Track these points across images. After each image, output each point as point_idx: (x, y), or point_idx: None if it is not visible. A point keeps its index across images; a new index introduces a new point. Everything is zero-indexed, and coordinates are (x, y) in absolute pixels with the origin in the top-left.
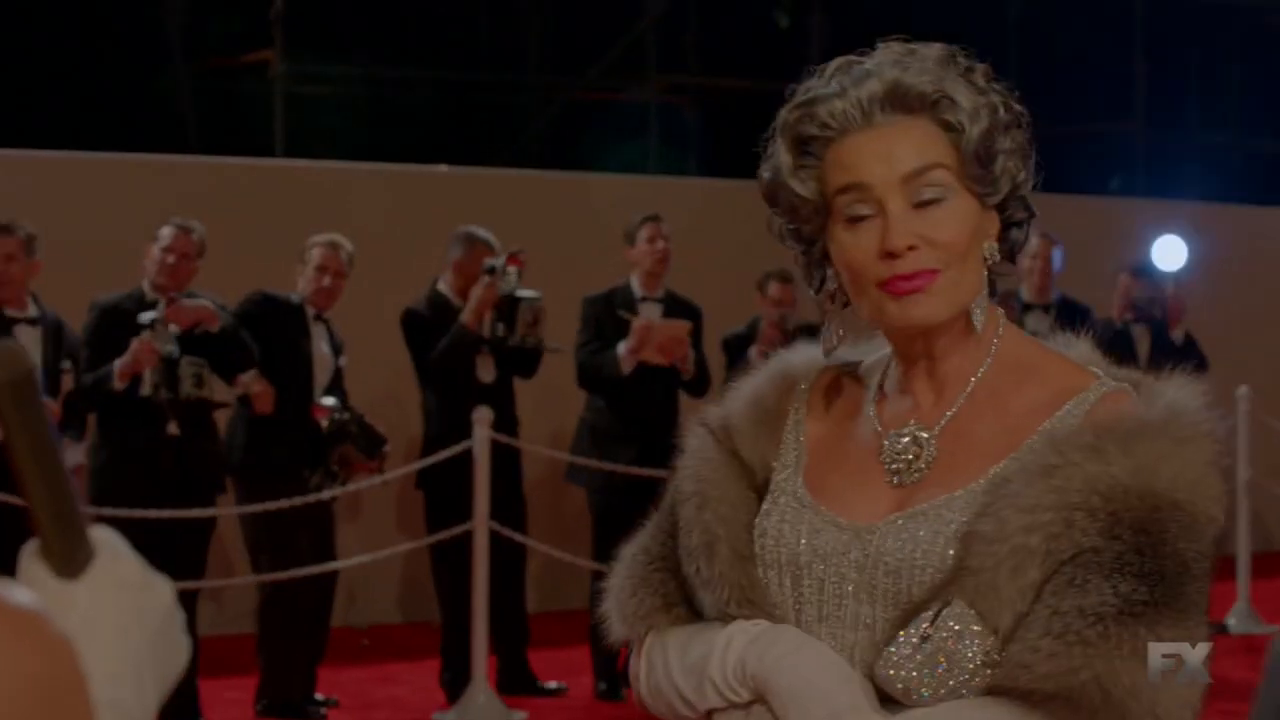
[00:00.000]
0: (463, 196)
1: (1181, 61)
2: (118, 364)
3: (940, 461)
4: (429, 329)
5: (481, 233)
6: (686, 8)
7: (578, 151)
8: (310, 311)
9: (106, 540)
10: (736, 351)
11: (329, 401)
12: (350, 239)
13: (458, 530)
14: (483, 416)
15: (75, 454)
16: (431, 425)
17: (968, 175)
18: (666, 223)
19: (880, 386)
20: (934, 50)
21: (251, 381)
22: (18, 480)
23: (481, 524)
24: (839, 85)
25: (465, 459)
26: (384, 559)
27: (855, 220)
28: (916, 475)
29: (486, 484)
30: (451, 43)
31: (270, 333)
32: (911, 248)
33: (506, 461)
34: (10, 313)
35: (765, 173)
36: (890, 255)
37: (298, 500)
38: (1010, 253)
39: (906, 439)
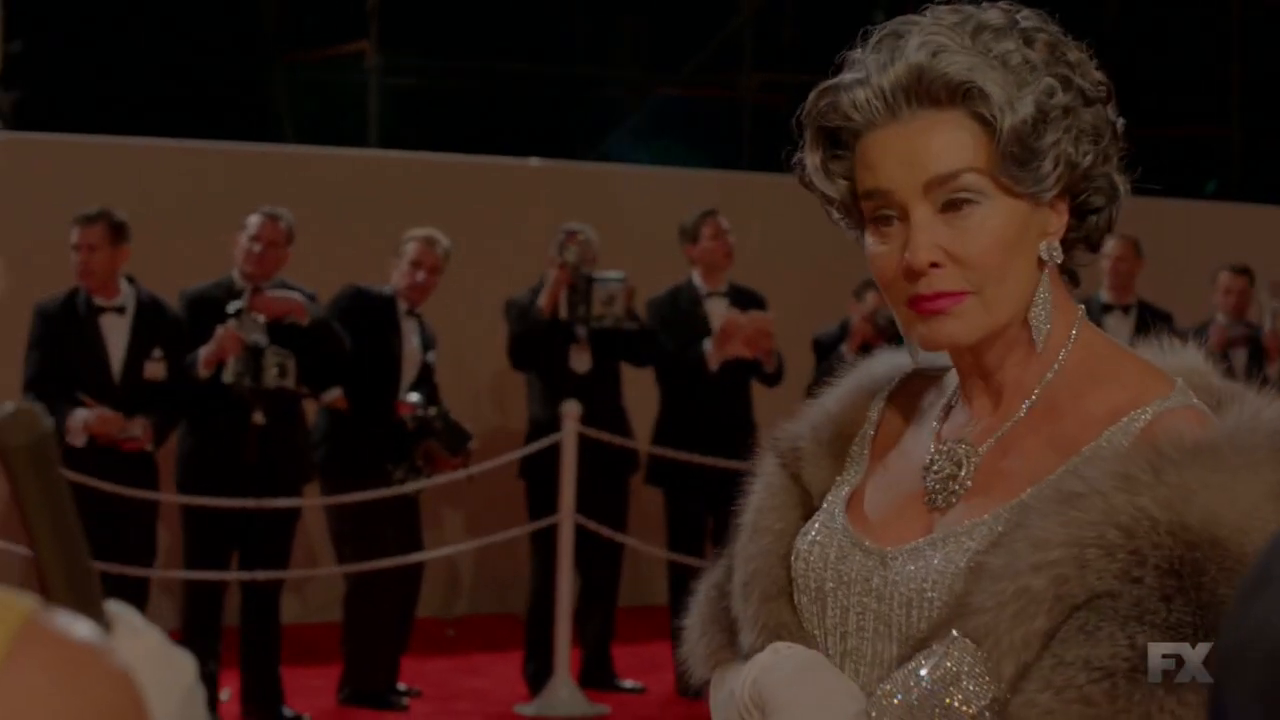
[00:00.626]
0: (555, 189)
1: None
2: (202, 351)
3: (980, 482)
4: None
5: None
6: (783, 4)
7: (664, 146)
8: (402, 306)
9: (123, 614)
10: (827, 351)
11: (414, 398)
12: (443, 231)
13: (544, 523)
14: (571, 410)
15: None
16: (531, 415)
17: (1005, 174)
18: (725, 217)
19: (952, 396)
20: (989, 17)
21: (335, 400)
22: (32, 548)
23: (567, 517)
24: (865, 69)
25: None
26: (477, 549)
27: (881, 223)
28: (953, 497)
29: (573, 477)
30: (547, 36)
31: (361, 327)
32: (935, 264)
33: (602, 455)
34: (98, 301)
35: (796, 166)
36: (912, 273)
37: (383, 492)
38: (1089, 241)
39: (949, 456)
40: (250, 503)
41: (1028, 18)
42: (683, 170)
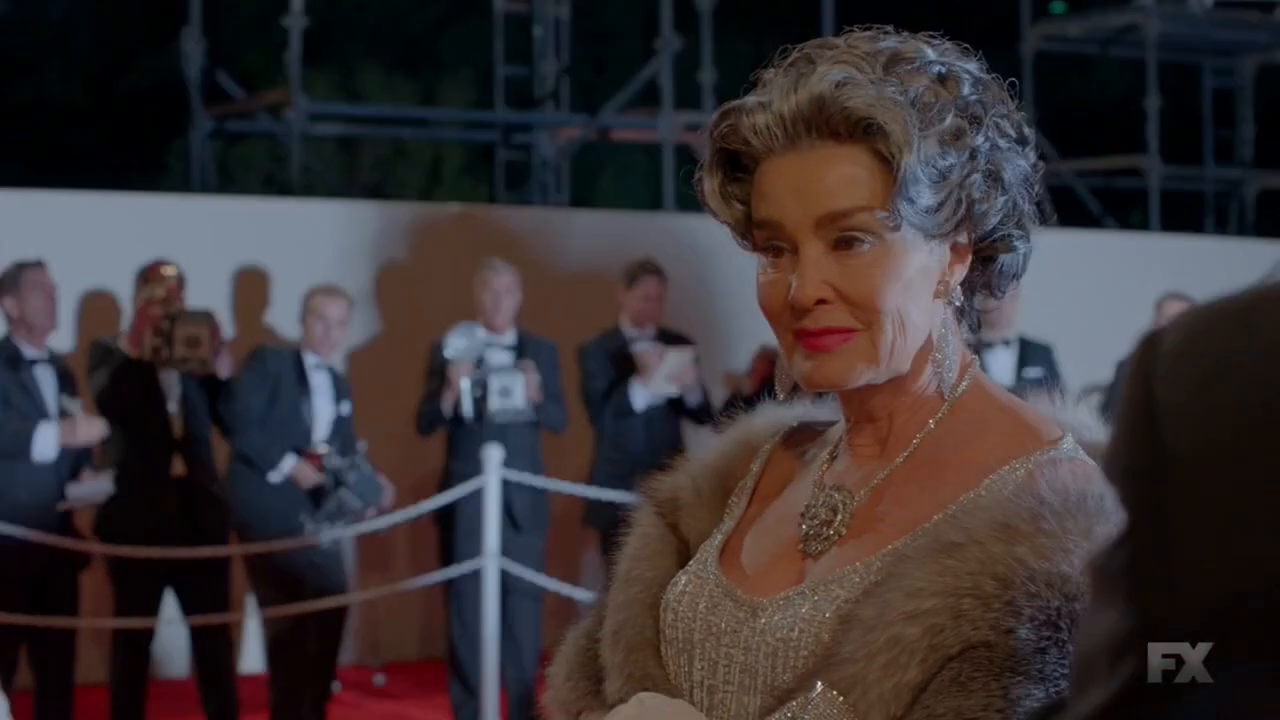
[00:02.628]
0: (475, 233)
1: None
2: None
3: (854, 528)
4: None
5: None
6: (701, 44)
7: (594, 189)
8: (310, 360)
9: None
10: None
11: (323, 449)
12: (364, 277)
13: (467, 568)
14: (492, 455)
15: (101, 485)
16: (447, 465)
17: (900, 214)
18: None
19: (837, 444)
20: (906, 49)
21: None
22: None
23: (491, 561)
24: (769, 93)
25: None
26: (397, 597)
27: (772, 253)
28: (827, 543)
29: (496, 521)
30: (469, 82)
31: (267, 384)
32: (822, 301)
33: (527, 499)
34: (28, 353)
35: (696, 184)
36: (798, 308)
37: (292, 543)
38: (993, 287)
39: (825, 502)
40: (170, 552)
41: (946, 53)
42: (605, 213)
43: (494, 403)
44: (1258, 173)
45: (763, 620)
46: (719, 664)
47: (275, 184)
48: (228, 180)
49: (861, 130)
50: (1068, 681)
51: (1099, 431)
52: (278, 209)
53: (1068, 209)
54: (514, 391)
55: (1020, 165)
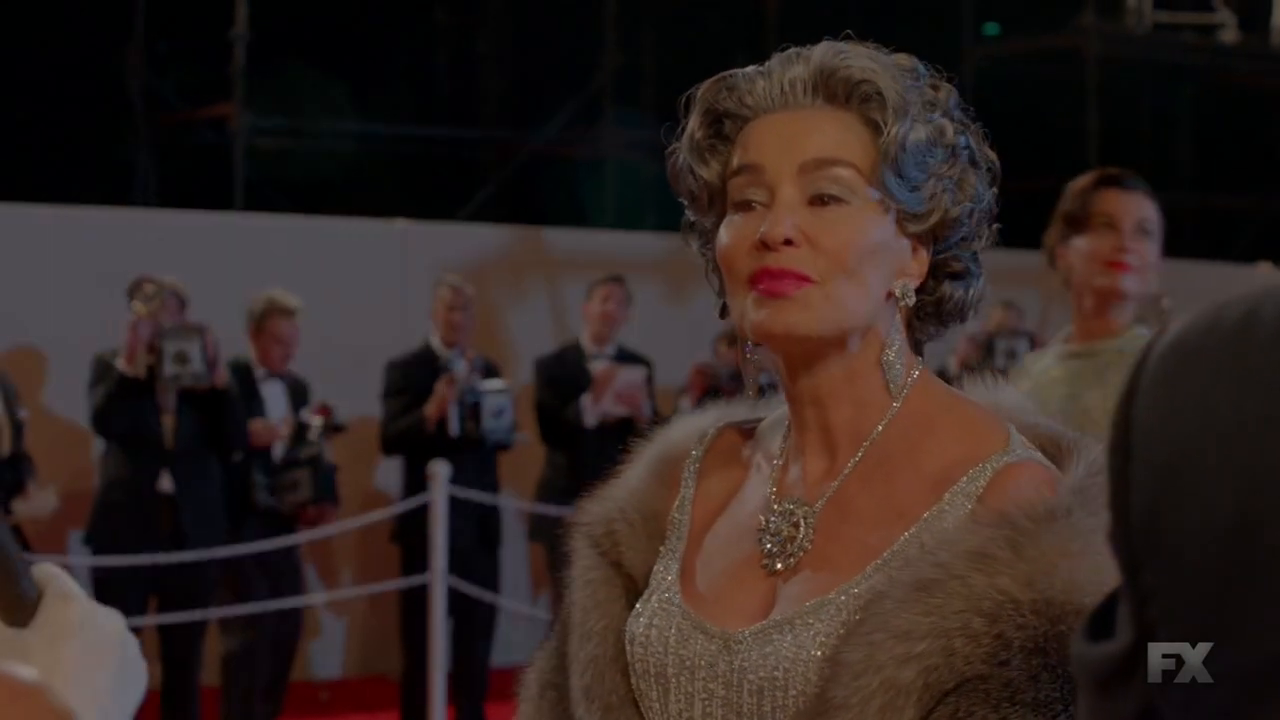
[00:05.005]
0: (421, 250)
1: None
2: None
3: (819, 545)
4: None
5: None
6: (643, 61)
7: (535, 205)
8: (260, 371)
9: (50, 578)
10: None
11: (279, 424)
12: (311, 293)
13: (415, 581)
14: (439, 470)
15: (47, 499)
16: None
17: (882, 181)
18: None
19: (783, 449)
20: (897, 57)
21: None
22: None
23: (439, 577)
24: (768, 66)
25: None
26: (351, 610)
27: (744, 206)
28: (792, 559)
29: (444, 537)
30: (411, 97)
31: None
32: (789, 242)
33: (477, 515)
34: None
35: (671, 152)
36: (764, 246)
37: (255, 548)
38: (940, 312)
39: (786, 517)
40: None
41: (933, 73)
42: (548, 229)
43: (488, 423)
44: (1197, 194)
45: (740, 657)
46: (696, 698)
47: (218, 197)
48: (169, 193)
49: (859, 96)
50: (1064, 707)
51: (1028, 410)
52: (220, 222)
53: (1008, 228)
54: (505, 412)
55: (986, 193)
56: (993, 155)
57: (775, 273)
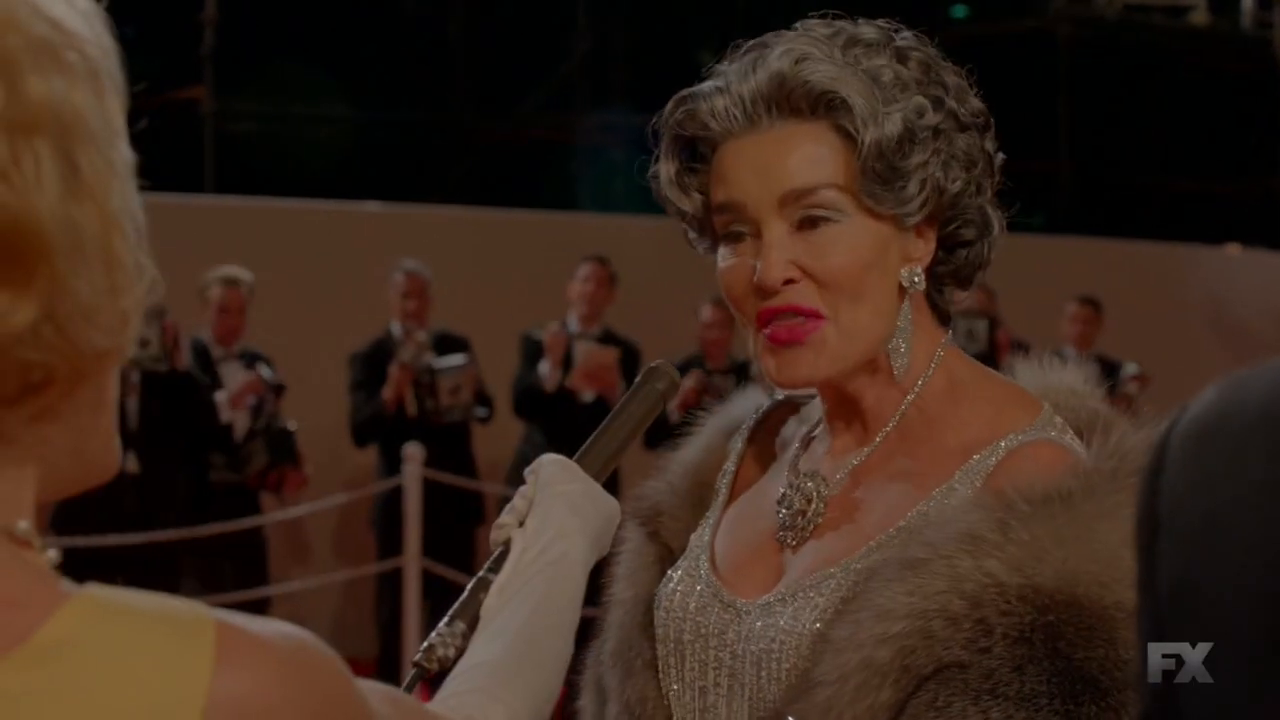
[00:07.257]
0: (393, 233)
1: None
2: None
3: (830, 520)
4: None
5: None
6: (613, 45)
7: (505, 189)
8: (217, 351)
9: (552, 472)
10: None
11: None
12: (281, 276)
13: (389, 565)
14: (413, 453)
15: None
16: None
17: (866, 192)
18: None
19: (815, 426)
20: (862, 32)
21: None
22: (605, 432)
23: (413, 560)
24: (725, 79)
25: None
26: (325, 593)
27: (734, 238)
28: (803, 534)
29: (418, 520)
30: (381, 81)
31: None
32: (789, 281)
33: (452, 497)
34: None
35: (651, 177)
36: (764, 290)
37: (225, 526)
38: (959, 276)
39: (800, 491)
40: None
41: (905, 37)
42: (519, 212)
43: (445, 401)
44: (1167, 176)
45: (745, 626)
46: (708, 666)
47: (187, 180)
48: (138, 177)
49: (824, 106)
50: (1049, 701)
51: (1087, 394)
52: (189, 205)
53: None
54: (462, 389)
55: (982, 149)
56: (979, 104)
57: (782, 310)
